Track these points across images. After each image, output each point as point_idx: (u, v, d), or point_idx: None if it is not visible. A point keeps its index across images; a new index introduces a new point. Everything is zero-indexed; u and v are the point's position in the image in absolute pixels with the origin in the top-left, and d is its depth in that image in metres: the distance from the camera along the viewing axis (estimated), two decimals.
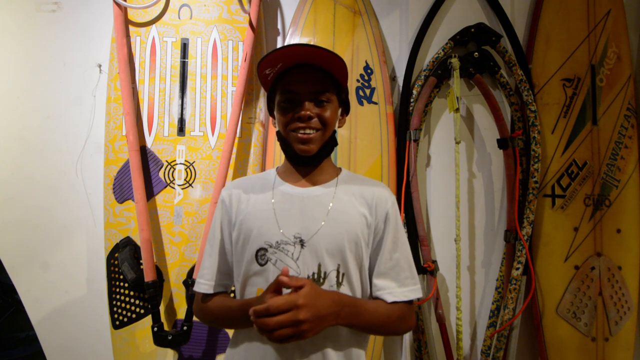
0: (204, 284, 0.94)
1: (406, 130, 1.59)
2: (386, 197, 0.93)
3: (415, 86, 1.62)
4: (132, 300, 1.47)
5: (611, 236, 1.60)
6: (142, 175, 1.45)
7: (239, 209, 0.93)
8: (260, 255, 0.87)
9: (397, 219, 0.93)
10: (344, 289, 0.87)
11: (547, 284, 1.58)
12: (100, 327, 1.57)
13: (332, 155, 0.97)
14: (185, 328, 1.43)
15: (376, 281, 0.90)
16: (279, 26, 1.70)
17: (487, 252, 1.68)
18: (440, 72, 1.61)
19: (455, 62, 1.56)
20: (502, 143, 1.62)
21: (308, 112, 0.87)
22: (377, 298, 0.90)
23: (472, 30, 1.62)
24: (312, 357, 0.84)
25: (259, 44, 1.60)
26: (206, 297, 0.95)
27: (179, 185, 1.52)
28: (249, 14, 1.54)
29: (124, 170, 1.50)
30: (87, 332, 1.60)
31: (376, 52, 1.61)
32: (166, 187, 1.52)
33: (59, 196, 1.61)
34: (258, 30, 1.57)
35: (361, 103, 1.59)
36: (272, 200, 0.91)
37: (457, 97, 1.52)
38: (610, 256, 1.60)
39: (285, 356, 0.84)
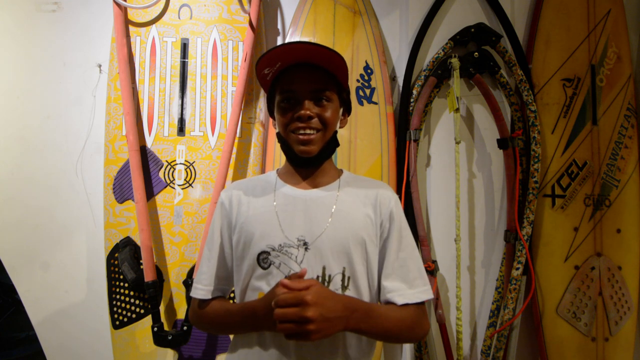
0: (202, 290, 0.92)
1: (406, 130, 1.59)
2: (389, 197, 0.92)
3: (415, 86, 1.62)
4: (132, 300, 1.47)
5: (611, 236, 1.60)
6: (142, 175, 1.45)
7: (240, 212, 0.91)
8: (263, 259, 0.85)
9: (401, 217, 0.92)
10: (350, 293, 0.85)
11: (547, 284, 1.58)
12: (100, 327, 1.56)
13: (332, 155, 0.96)
14: (185, 328, 1.43)
15: (385, 283, 0.87)
16: (279, 26, 1.70)
17: (487, 252, 1.68)
18: (440, 72, 1.61)
19: (455, 62, 1.56)
20: (502, 143, 1.62)
21: (308, 112, 0.85)
22: (387, 301, 0.87)
23: (472, 30, 1.62)
24: None
25: (259, 44, 1.60)
26: (203, 302, 0.92)
27: (179, 185, 1.52)
28: (249, 14, 1.54)
29: (124, 170, 1.50)
30: (87, 332, 1.60)
31: (376, 52, 1.61)
32: (166, 187, 1.52)
33: (59, 196, 1.61)
34: (258, 30, 1.57)
35: (361, 103, 1.59)
36: (274, 203, 0.90)
37: (457, 97, 1.52)
38: (610, 256, 1.60)
39: None
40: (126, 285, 1.47)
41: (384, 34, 1.69)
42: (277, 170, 0.98)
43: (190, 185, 1.52)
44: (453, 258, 1.58)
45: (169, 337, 1.40)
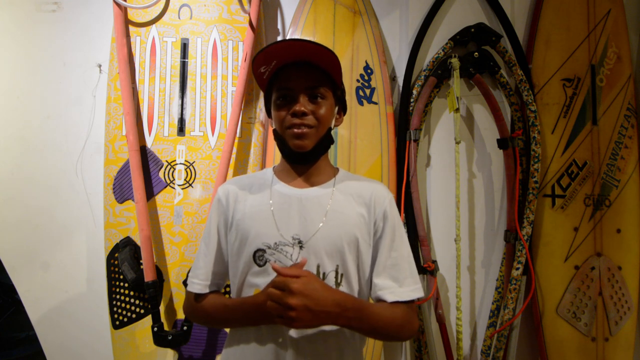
0: (198, 284, 0.93)
1: (406, 130, 1.59)
2: (384, 196, 0.93)
3: (415, 86, 1.62)
4: (132, 300, 1.47)
5: (611, 236, 1.60)
6: (142, 175, 1.45)
7: (236, 209, 0.92)
8: (259, 257, 0.87)
9: (395, 217, 0.93)
10: (343, 289, 0.86)
11: (547, 284, 1.58)
12: (100, 327, 1.56)
13: (332, 155, 0.97)
14: (185, 328, 1.43)
15: (376, 280, 0.89)
16: (279, 26, 1.70)
17: (487, 252, 1.68)
18: (440, 72, 1.61)
19: (455, 62, 1.56)
20: (502, 143, 1.62)
21: (302, 108, 0.87)
22: (377, 298, 0.89)
23: (472, 30, 1.62)
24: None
25: (259, 44, 1.60)
26: (199, 296, 0.94)
27: (179, 185, 1.52)
28: (249, 14, 1.54)
29: (124, 170, 1.50)
30: (87, 332, 1.60)
31: (376, 52, 1.61)
32: (166, 187, 1.52)
33: (59, 196, 1.61)
34: (258, 30, 1.57)
35: (361, 103, 1.59)
36: (270, 201, 0.91)
37: (457, 97, 1.52)
38: (610, 256, 1.60)
39: (283, 357, 0.84)
40: (126, 285, 1.47)
41: (384, 34, 1.69)
42: (274, 167, 0.99)
43: (190, 185, 1.52)
44: (453, 258, 1.58)
45: (169, 337, 1.40)
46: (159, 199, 1.52)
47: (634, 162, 1.63)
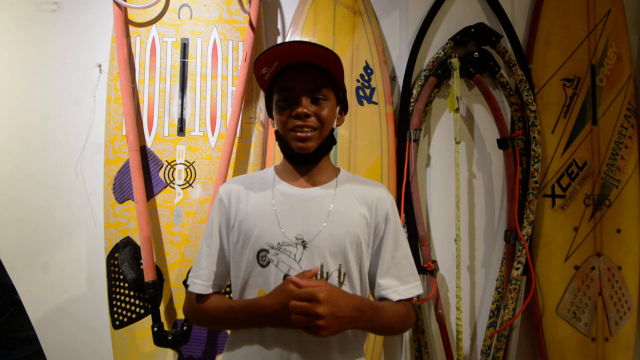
0: (200, 285, 0.92)
1: (406, 130, 1.59)
2: (385, 198, 0.94)
3: (415, 86, 1.62)
4: (132, 300, 1.47)
5: (611, 236, 1.60)
6: (142, 175, 1.45)
7: (238, 209, 0.92)
8: (262, 257, 0.87)
9: (396, 218, 0.94)
10: (345, 288, 0.87)
11: (547, 284, 1.59)
12: (100, 327, 1.56)
13: (332, 155, 0.97)
14: (185, 328, 1.43)
15: (380, 281, 0.91)
16: (279, 26, 1.70)
17: (487, 252, 1.68)
18: (440, 72, 1.61)
19: (455, 62, 1.56)
20: (502, 143, 1.62)
21: (305, 110, 0.87)
22: (381, 297, 0.91)
23: (472, 30, 1.62)
24: None
25: (259, 44, 1.60)
26: (201, 297, 0.93)
27: (179, 185, 1.52)
28: (249, 14, 1.54)
29: (124, 170, 1.50)
30: (87, 332, 1.60)
31: (376, 52, 1.61)
32: (166, 187, 1.52)
33: (59, 196, 1.61)
34: (258, 30, 1.57)
35: (361, 103, 1.59)
36: (273, 201, 0.91)
37: (457, 97, 1.52)
38: (610, 256, 1.60)
39: (287, 358, 0.84)
40: (126, 285, 1.47)
41: (384, 34, 1.69)
42: (275, 167, 0.99)
43: (190, 185, 1.52)
44: (453, 258, 1.58)
45: (169, 337, 1.40)
46: (159, 199, 1.52)
47: (634, 162, 1.63)
